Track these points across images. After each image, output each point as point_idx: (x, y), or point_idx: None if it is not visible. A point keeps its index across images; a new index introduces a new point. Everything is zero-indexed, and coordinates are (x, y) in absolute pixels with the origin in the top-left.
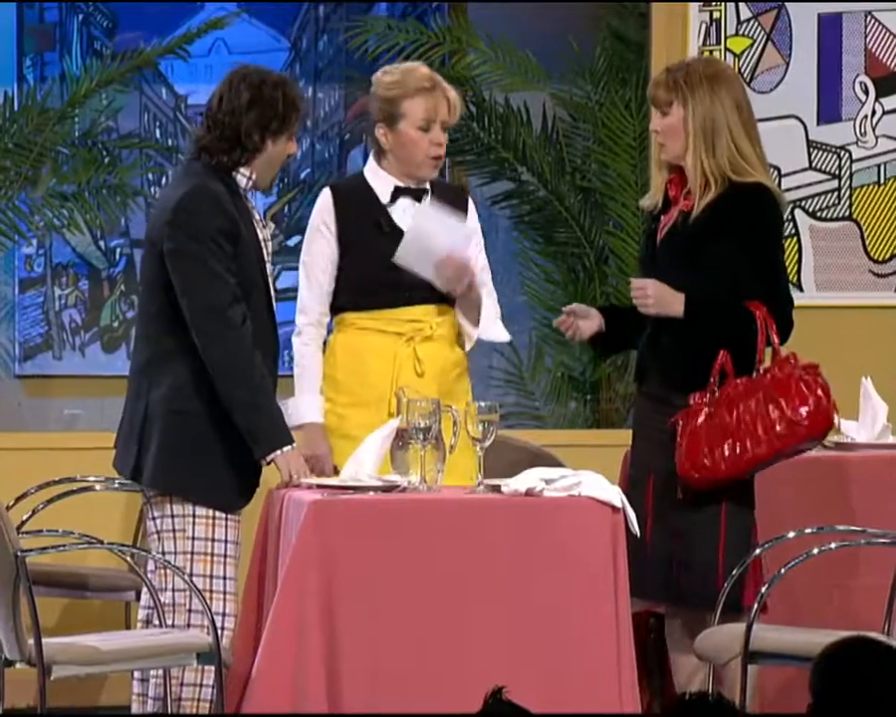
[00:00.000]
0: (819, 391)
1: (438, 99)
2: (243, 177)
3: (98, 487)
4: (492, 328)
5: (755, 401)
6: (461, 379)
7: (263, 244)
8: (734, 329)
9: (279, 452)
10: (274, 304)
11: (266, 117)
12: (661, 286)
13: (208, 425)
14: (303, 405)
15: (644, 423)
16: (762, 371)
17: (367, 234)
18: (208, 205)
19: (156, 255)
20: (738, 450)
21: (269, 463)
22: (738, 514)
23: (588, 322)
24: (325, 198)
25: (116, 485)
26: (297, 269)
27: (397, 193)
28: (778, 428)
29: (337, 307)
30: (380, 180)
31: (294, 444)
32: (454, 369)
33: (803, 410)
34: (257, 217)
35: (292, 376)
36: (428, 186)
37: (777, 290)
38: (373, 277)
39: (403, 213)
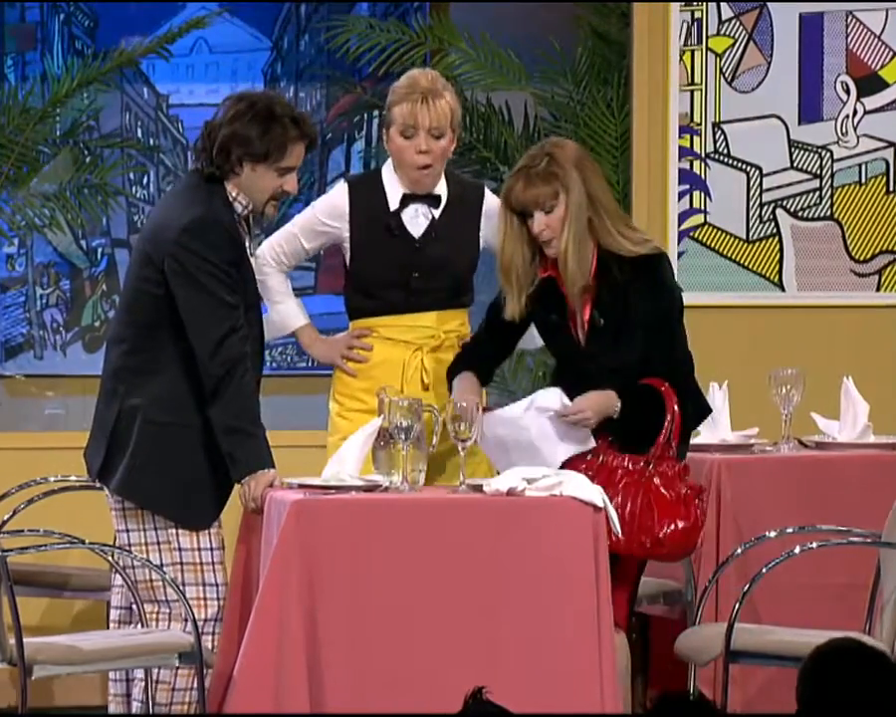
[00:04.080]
0: (684, 522)
1: (418, 104)
2: (238, 204)
3: (79, 487)
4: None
5: (640, 499)
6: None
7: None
8: (656, 410)
9: (248, 477)
10: (265, 327)
11: (238, 137)
12: (592, 399)
13: (180, 440)
14: (284, 313)
15: None
16: (654, 462)
17: (377, 238)
18: (217, 234)
19: (154, 268)
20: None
21: (242, 484)
22: None
23: None
24: (340, 198)
25: (98, 485)
26: None
27: (406, 201)
28: (645, 538)
29: (352, 309)
30: (393, 185)
31: (270, 469)
32: None
33: (667, 530)
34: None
35: (273, 376)
36: (443, 189)
37: (675, 355)
38: (380, 279)
39: (415, 214)
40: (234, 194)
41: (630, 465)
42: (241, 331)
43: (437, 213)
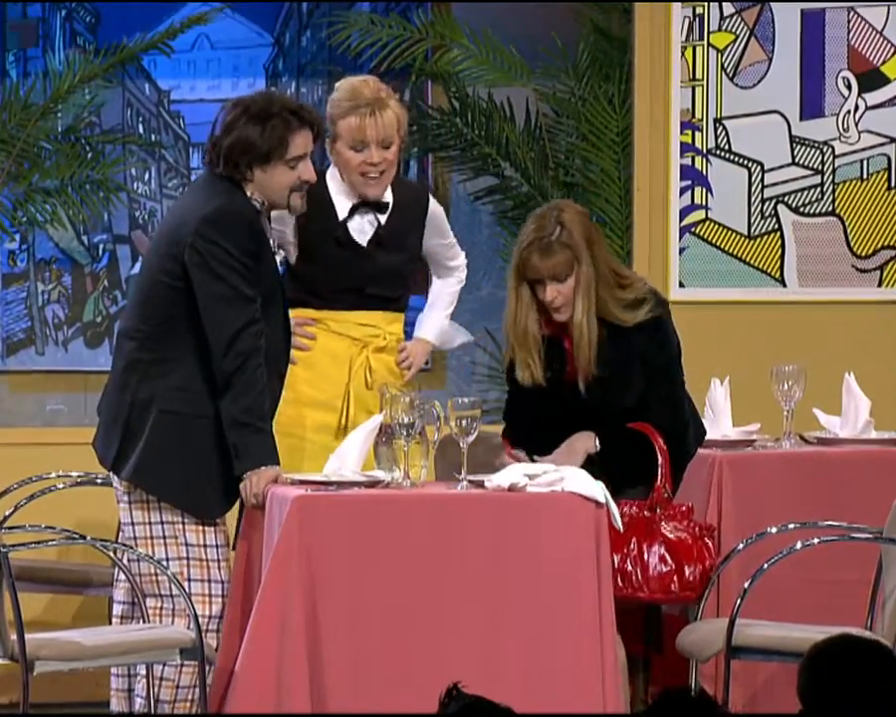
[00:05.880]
0: (709, 560)
1: (366, 118)
2: (256, 202)
3: (80, 483)
4: (453, 337)
5: (645, 547)
6: (404, 387)
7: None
8: (642, 451)
9: (251, 472)
10: (290, 320)
11: (239, 144)
12: (569, 452)
13: (194, 430)
14: None
15: None
16: (657, 509)
17: (325, 246)
18: (238, 225)
19: (174, 260)
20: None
21: (242, 479)
22: None
23: None
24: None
25: (99, 481)
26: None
27: (354, 210)
28: (672, 587)
29: (292, 302)
30: (339, 192)
31: (274, 465)
32: (398, 379)
33: (694, 571)
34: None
35: None
36: (390, 196)
37: (676, 411)
38: (330, 285)
39: (361, 221)
40: (250, 193)
41: (636, 511)
42: (257, 324)
43: (383, 219)
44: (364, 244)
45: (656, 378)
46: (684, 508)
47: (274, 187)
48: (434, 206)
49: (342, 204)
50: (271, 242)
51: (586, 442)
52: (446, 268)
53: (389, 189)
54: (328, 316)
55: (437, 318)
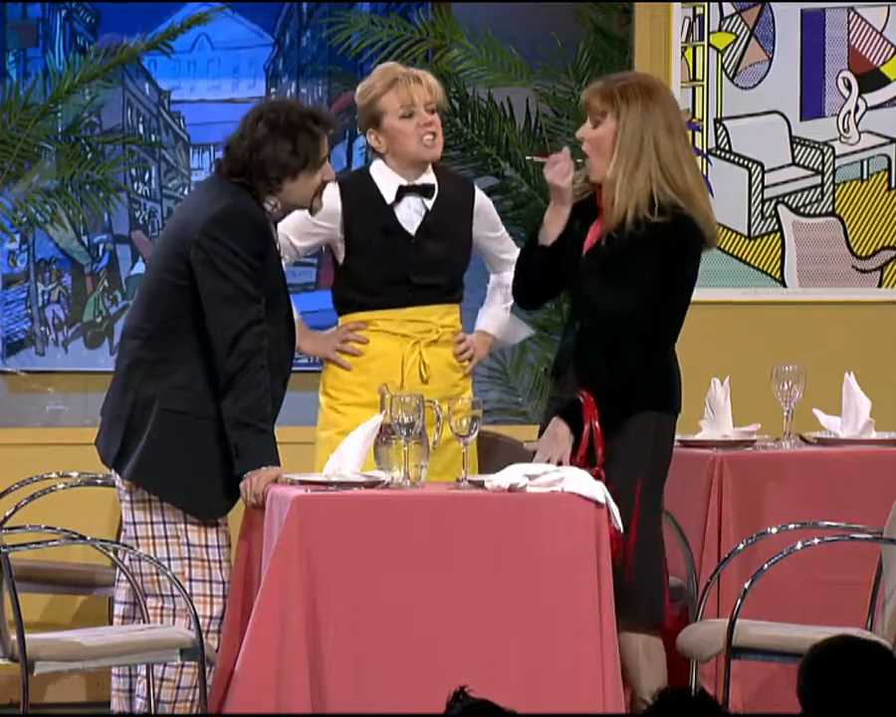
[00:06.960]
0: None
1: (410, 84)
2: (267, 205)
3: (80, 483)
4: (515, 332)
5: None
6: (464, 380)
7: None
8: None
9: (251, 472)
10: (295, 321)
11: (270, 163)
12: (553, 439)
13: (195, 430)
14: None
15: None
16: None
17: (374, 236)
18: (245, 225)
19: (181, 260)
20: None
21: (242, 479)
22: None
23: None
24: (331, 197)
25: (99, 481)
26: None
27: (402, 192)
28: None
29: (343, 304)
30: (385, 179)
31: (274, 466)
32: (457, 372)
33: None
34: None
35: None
36: (434, 180)
37: (655, 315)
38: (379, 277)
39: (409, 209)
40: (264, 199)
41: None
42: (261, 324)
43: (430, 205)
44: (413, 232)
45: (645, 288)
46: (593, 472)
47: (302, 194)
48: (482, 197)
49: (389, 189)
50: (277, 245)
51: (561, 427)
52: (501, 261)
53: (433, 175)
54: (377, 316)
55: (496, 311)
